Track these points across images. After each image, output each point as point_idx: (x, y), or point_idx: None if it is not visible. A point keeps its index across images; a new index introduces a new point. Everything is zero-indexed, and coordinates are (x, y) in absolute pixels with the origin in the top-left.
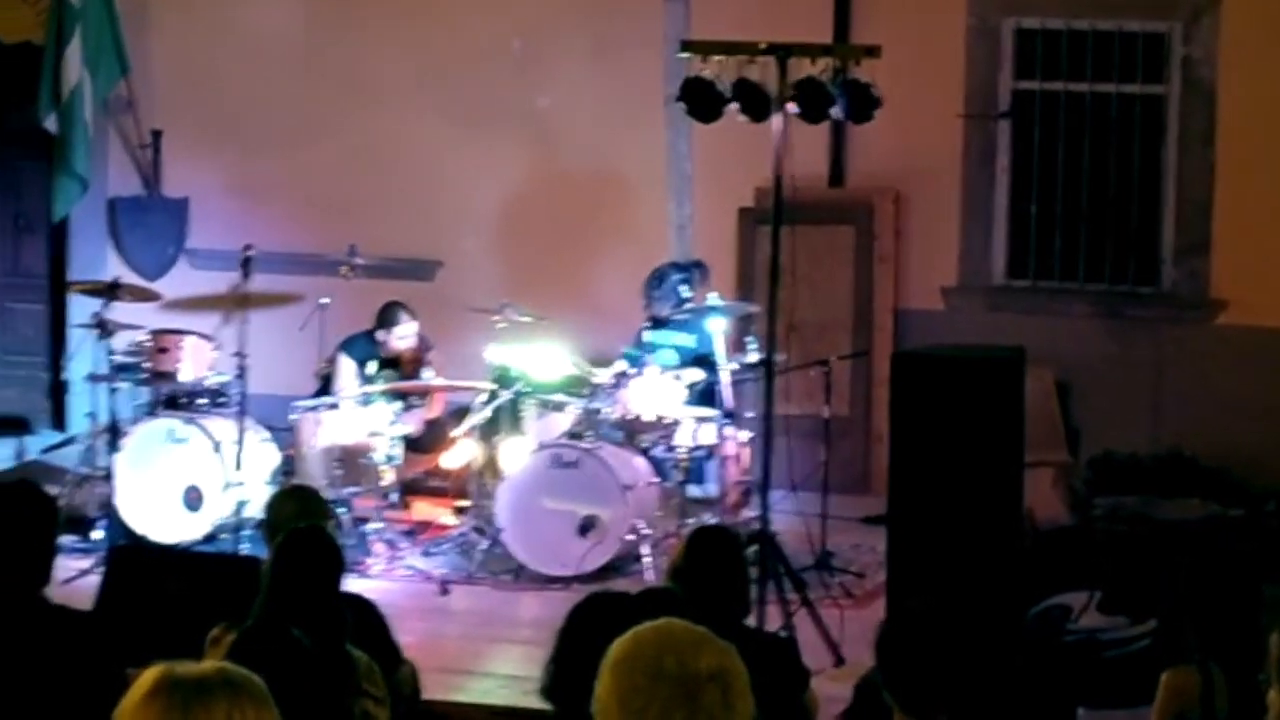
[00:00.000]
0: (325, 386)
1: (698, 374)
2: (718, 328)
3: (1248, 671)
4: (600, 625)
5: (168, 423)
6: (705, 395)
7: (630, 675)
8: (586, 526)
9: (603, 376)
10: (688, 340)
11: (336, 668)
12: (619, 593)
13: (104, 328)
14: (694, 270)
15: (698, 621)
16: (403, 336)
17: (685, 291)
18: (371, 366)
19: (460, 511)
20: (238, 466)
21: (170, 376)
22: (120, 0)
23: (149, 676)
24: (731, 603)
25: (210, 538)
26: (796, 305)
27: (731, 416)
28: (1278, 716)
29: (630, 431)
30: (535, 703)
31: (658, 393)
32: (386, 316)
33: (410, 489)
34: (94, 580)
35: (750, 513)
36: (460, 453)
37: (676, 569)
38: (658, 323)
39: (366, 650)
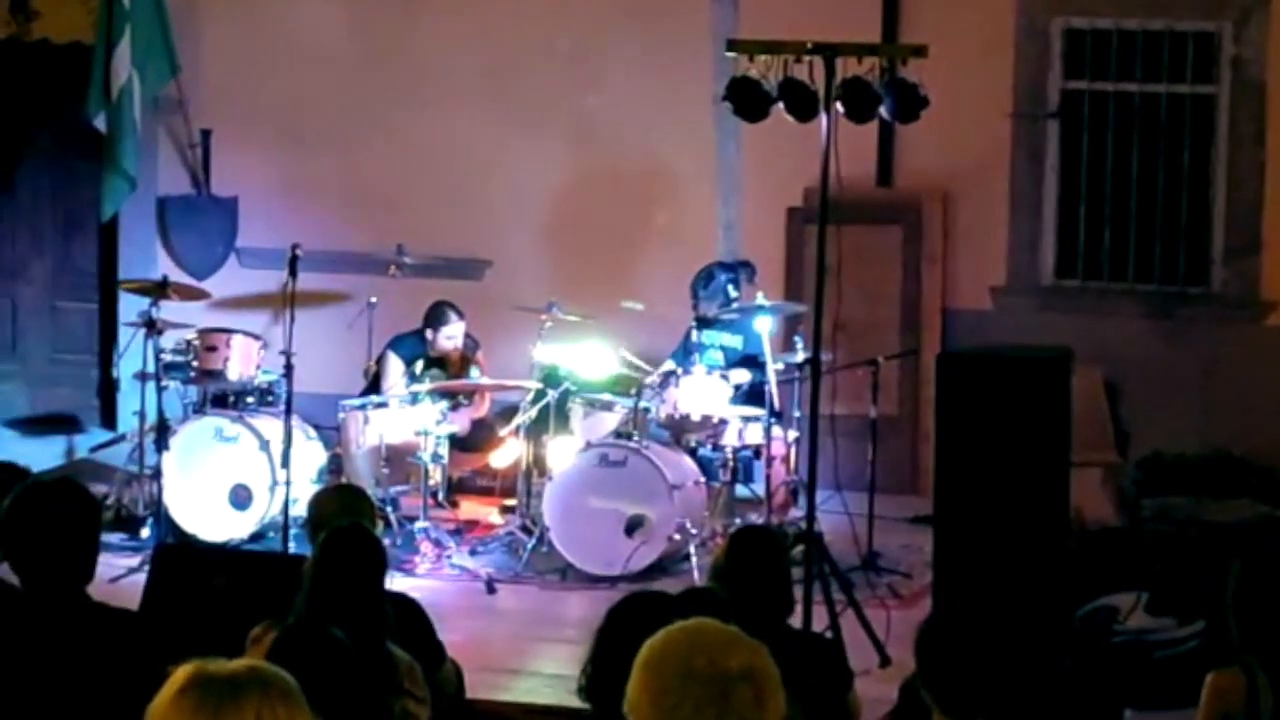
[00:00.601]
0: (373, 385)
1: (745, 374)
2: (765, 327)
3: None
4: (638, 625)
5: (216, 421)
6: (752, 395)
7: (661, 675)
8: (633, 526)
9: (653, 374)
10: (735, 340)
11: (377, 667)
12: (657, 592)
13: (153, 326)
14: (741, 270)
15: (740, 622)
16: (450, 336)
17: (733, 291)
18: (419, 366)
19: (507, 510)
20: (285, 465)
21: (218, 375)
22: (170, 0)
23: (181, 674)
24: (774, 603)
25: (258, 536)
26: (844, 305)
27: (778, 416)
28: None
29: (677, 431)
30: (580, 702)
31: (705, 392)
32: (434, 316)
33: (457, 488)
34: (141, 579)
35: (797, 513)
36: (507, 452)
37: (718, 569)
38: (705, 322)
39: (409, 649)
